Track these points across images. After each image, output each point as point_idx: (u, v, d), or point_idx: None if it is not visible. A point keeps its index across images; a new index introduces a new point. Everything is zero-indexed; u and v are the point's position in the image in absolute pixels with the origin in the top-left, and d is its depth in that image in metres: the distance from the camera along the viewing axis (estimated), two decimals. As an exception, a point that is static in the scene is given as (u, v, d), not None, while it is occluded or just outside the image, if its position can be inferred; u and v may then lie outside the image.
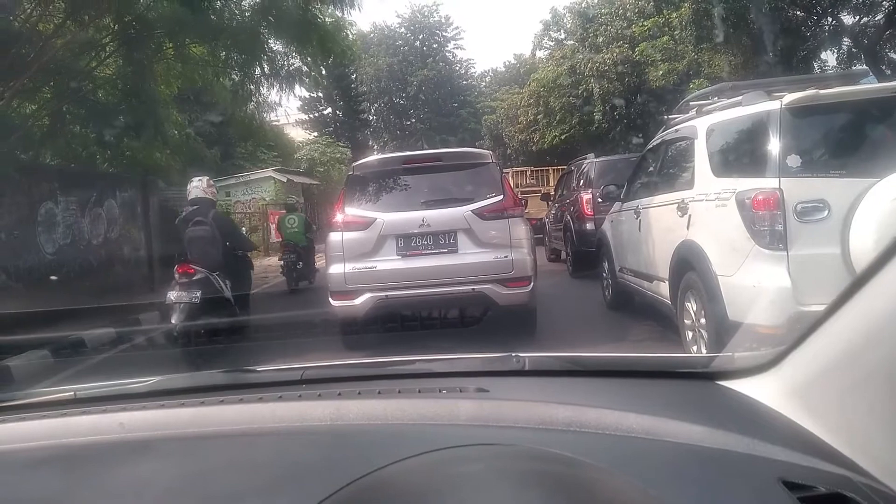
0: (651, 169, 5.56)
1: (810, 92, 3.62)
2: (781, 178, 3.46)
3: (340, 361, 1.76)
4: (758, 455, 0.88)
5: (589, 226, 9.02)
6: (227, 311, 5.92)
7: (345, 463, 0.89)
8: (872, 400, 0.84)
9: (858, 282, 0.87)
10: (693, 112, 4.83)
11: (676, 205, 4.49)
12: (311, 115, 39.00)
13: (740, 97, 4.14)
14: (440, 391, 1.19)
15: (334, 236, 5.50)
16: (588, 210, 9.10)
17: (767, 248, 3.51)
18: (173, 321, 5.57)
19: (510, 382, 1.31)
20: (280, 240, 11.38)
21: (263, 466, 0.92)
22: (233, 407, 1.16)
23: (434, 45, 47.10)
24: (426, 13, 47.16)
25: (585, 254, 8.92)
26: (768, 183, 3.51)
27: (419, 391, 1.20)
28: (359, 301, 5.25)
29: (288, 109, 30.39)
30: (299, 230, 10.78)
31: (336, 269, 5.39)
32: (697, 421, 0.97)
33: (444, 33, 47.72)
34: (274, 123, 31.28)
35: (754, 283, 3.56)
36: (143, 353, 6.60)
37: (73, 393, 1.36)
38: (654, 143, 5.63)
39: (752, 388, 1.11)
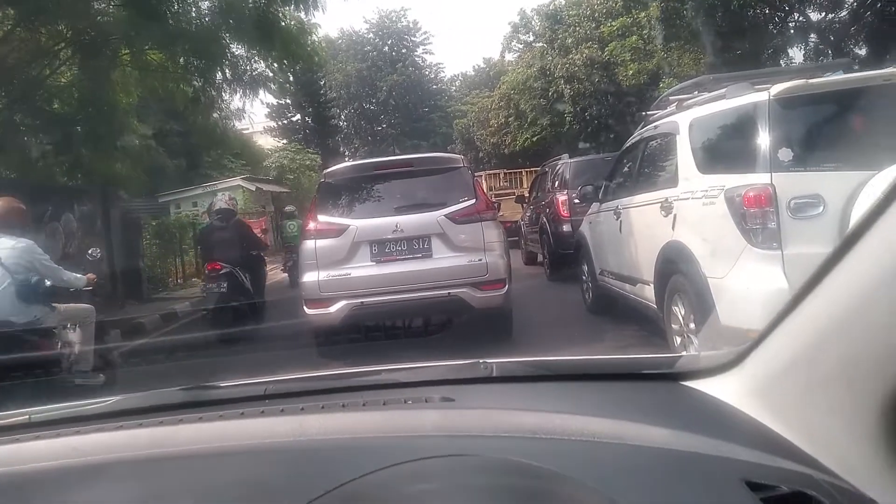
0: (630, 168, 5.36)
1: (799, 81, 3.44)
2: (773, 173, 3.26)
3: (305, 374, 1.71)
4: (721, 456, 0.88)
5: (566, 228, 8.82)
6: (246, 298, 7.03)
7: (307, 480, 0.87)
8: (832, 397, 0.84)
9: (815, 278, 0.86)
10: (673, 107, 4.63)
11: (659, 204, 4.29)
12: (280, 122, 38.45)
13: (724, 90, 3.94)
14: (405, 402, 1.18)
15: (307, 244, 5.43)
16: (564, 212, 8.90)
17: (760, 248, 3.30)
18: (208, 307, 6.92)
19: (477, 390, 1.29)
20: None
21: (224, 487, 0.90)
22: (192, 426, 1.13)
23: (403, 50, 46.92)
24: (394, 18, 47.02)
25: (563, 256, 8.73)
26: (759, 178, 3.31)
27: (384, 403, 1.18)
28: (334, 309, 5.18)
29: (254, 116, 29.86)
30: (297, 234, 11.39)
31: (310, 276, 5.31)
32: (661, 423, 0.96)
33: (412, 38, 47.60)
34: (242, 131, 30.93)
35: (747, 285, 3.36)
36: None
37: (27, 417, 1.31)
38: (633, 141, 5.43)
39: (716, 387, 1.10)
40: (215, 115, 11.44)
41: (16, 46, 10.27)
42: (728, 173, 3.64)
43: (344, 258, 5.29)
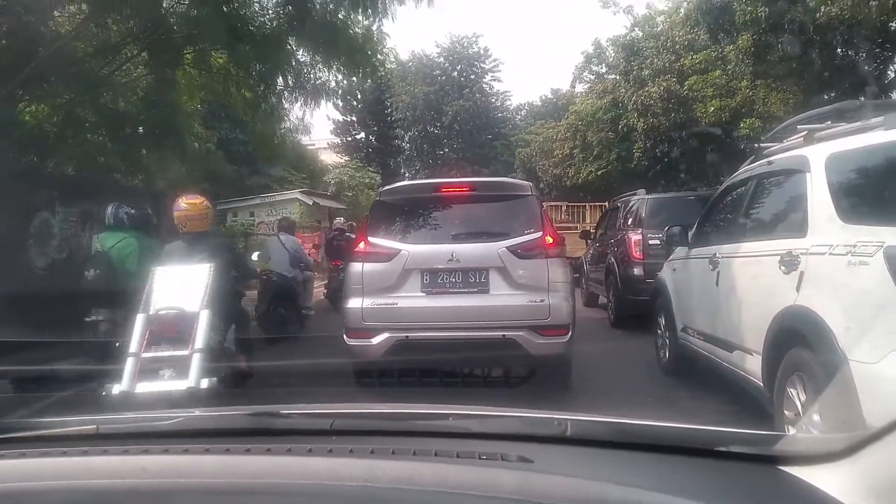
0: (734, 209, 4.50)
1: None
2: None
3: (372, 409, 1.71)
4: None
5: (637, 271, 7.98)
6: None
7: None
8: None
9: None
10: (798, 139, 3.79)
11: (779, 257, 3.43)
12: (344, 139, 38.64)
13: (880, 118, 3.10)
14: (479, 457, 1.13)
15: (354, 266, 5.08)
16: (637, 253, 8.04)
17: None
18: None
19: (553, 451, 1.23)
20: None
21: None
22: (259, 458, 1.13)
23: (471, 76, 46.73)
24: (465, 44, 46.96)
25: (631, 302, 7.91)
26: (942, 236, 2.46)
27: (457, 455, 1.14)
28: (376, 341, 4.81)
29: (317, 129, 30.05)
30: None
31: (354, 303, 4.94)
32: None
33: (482, 65, 47.36)
34: (308, 146, 31.12)
35: (914, 378, 2.49)
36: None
37: (95, 427, 1.34)
38: (739, 178, 4.59)
39: (821, 477, 0.99)
40: (276, 124, 11.00)
41: (84, 41, 10.19)
42: (886, 224, 2.79)
43: (392, 286, 4.88)
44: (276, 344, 7.30)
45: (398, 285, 4.87)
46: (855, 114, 3.50)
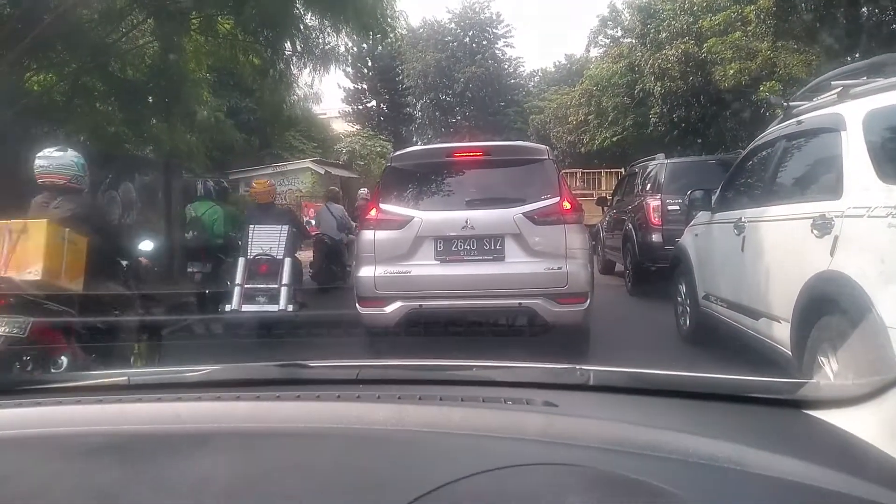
0: (761, 171, 4.31)
1: None
2: None
3: (396, 361, 1.70)
4: (858, 495, 0.78)
5: (655, 237, 7.80)
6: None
7: (409, 473, 0.87)
8: None
9: None
10: (832, 96, 3.58)
11: (811, 220, 3.26)
12: (355, 108, 38.26)
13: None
14: (505, 402, 1.13)
15: (366, 234, 4.96)
16: (655, 219, 7.85)
17: None
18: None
19: (577, 397, 1.22)
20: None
21: (323, 470, 0.91)
22: (290, 404, 1.14)
23: (483, 42, 45.89)
24: (477, 9, 46.01)
25: (649, 270, 7.76)
26: None
27: (483, 400, 1.15)
28: (389, 309, 4.71)
29: (328, 98, 29.73)
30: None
31: (366, 272, 4.84)
32: (787, 452, 0.87)
33: (494, 30, 46.45)
34: (319, 115, 30.82)
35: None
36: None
37: (126, 378, 1.35)
38: (766, 139, 4.38)
39: (846, 420, 0.99)
40: (285, 91, 10.79)
41: (88, 7, 10.00)
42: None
43: (405, 254, 4.77)
44: (326, 293, 8.73)
45: (411, 253, 4.76)
46: (893, 68, 3.28)
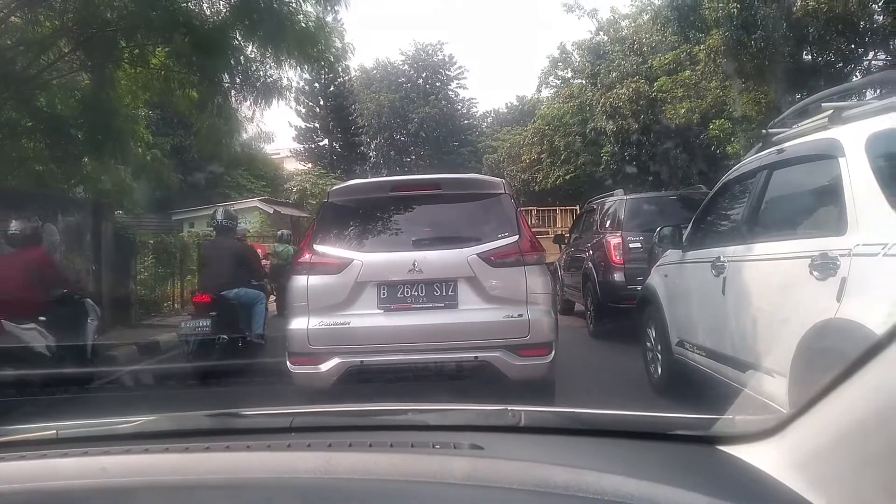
0: (742, 205, 3.89)
1: None
2: None
3: (331, 407, 1.72)
4: None
5: (617, 276, 7.42)
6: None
7: None
8: (887, 477, 0.80)
9: (874, 349, 0.84)
10: (821, 119, 3.19)
11: (809, 260, 2.82)
12: (307, 146, 37.69)
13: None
14: (433, 446, 1.17)
15: (297, 280, 4.35)
16: (617, 257, 7.46)
17: None
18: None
19: (506, 439, 1.26)
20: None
21: None
22: (219, 455, 1.14)
23: (437, 84, 46.42)
24: (430, 51, 46.70)
25: (612, 310, 7.35)
26: None
27: (412, 445, 1.17)
28: (325, 367, 4.13)
29: (281, 138, 29.21)
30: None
31: (297, 323, 4.25)
32: (697, 488, 0.94)
33: (447, 72, 47.11)
34: (273, 156, 30.12)
35: None
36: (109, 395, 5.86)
37: (54, 432, 1.31)
38: (743, 169, 3.98)
39: (754, 455, 1.06)
40: (226, 127, 10.17)
41: (10, 35, 9.28)
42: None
43: (343, 302, 4.19)
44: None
45: (350, 301, 4.19)
46: (892, 87, 2.92)
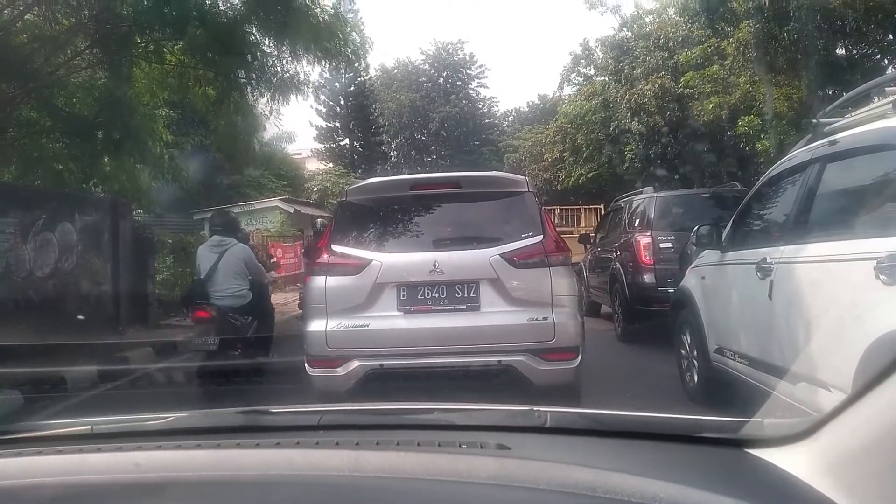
0: (791, 202, 3.57)
1: None
2: None
3: (358, 406, 1.77)
4: None
5: (647, 277, 7.11)
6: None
7: None
8: None
9: None
10: (885, 106, 2.88)
11: (874, 262, 2.52)
12: (328, 146, 37.74)
13: None
14: (460, 446, 1.18)
15: (315, 281, 4.26)
16: (646, 258, 7.16)
17: None
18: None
19: (532, 440, 1.28)
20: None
21: None
22: (249, 451, 1.16)
23: (458, 83, 46.25)
24: (451, 51, 46.50)
25: (642, 313, 7.05)
26: None
27: (438, 444, 1.18)
28: (343, 371, 4.06)
29: (302, 138, 29.24)
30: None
31: (316, 325, 4.16)
32: (726, 492, 0.93)
33: (468, 71, 46.89)
34: (295, 156, 30.13)
35: None
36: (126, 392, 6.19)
37: (89, 427, 1.36)
38: (794, 162, 3.66)
39: (784, 458, 1.04)
40: (243, 124, 10.02)
41: (28, 34, 9.22)
42: None
43: (362, 304, 4.10)
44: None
45: (369, 303, 4.09)
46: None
